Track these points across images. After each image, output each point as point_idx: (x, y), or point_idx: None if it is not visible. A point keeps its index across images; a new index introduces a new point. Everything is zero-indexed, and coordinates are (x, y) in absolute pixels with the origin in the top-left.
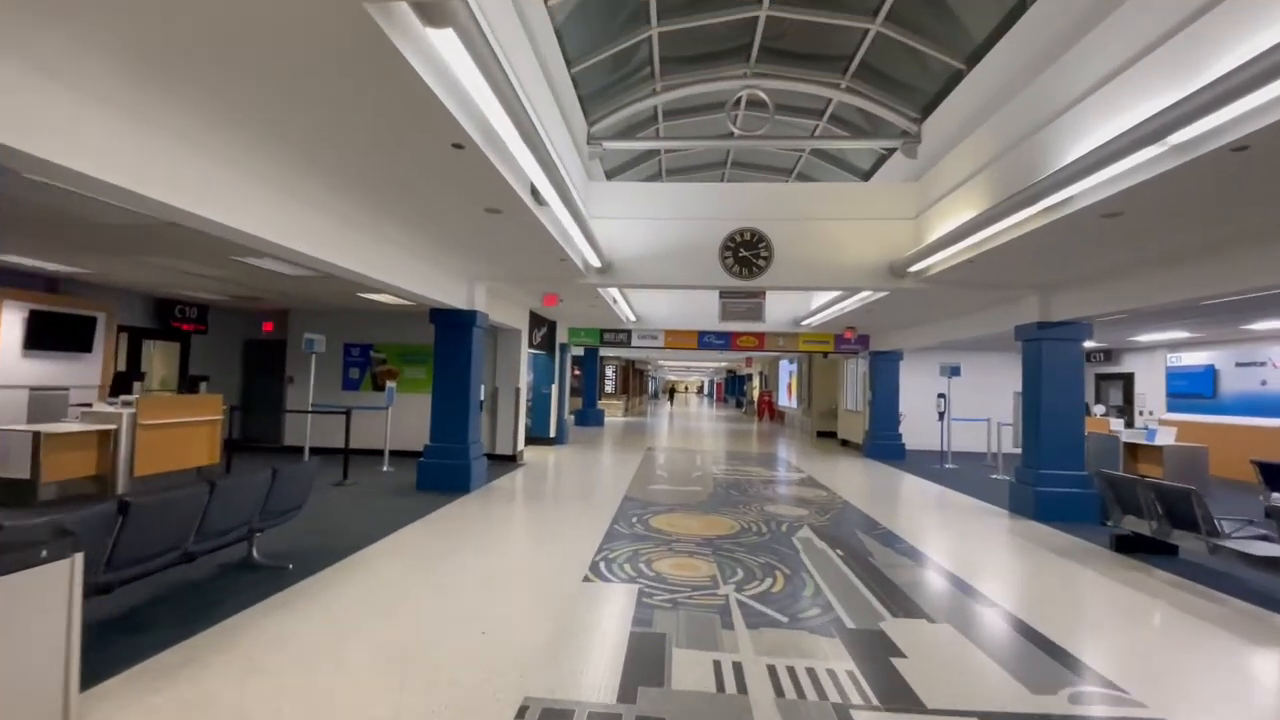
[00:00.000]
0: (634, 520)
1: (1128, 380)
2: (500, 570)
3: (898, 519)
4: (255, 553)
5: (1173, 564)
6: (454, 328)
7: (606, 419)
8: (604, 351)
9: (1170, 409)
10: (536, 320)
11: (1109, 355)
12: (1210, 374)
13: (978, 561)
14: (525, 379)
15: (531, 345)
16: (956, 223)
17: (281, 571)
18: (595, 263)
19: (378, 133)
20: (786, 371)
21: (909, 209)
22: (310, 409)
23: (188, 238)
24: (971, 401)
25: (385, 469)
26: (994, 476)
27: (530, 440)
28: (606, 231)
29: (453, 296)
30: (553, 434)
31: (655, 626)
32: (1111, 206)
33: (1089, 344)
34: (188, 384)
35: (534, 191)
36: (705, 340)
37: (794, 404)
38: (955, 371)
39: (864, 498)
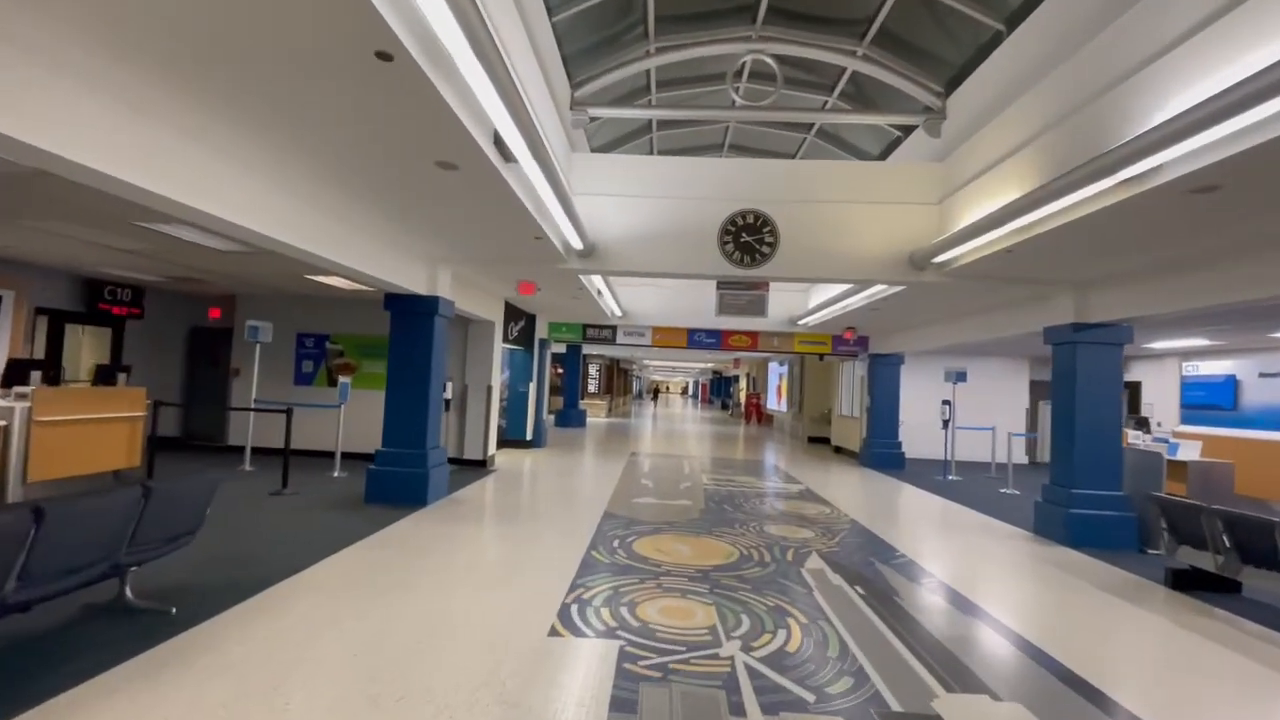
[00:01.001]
0: (615, 544)
1: (1134, 390)
2: (444, 617)
3: (915, 543)
4: (129, 592)
5: (1240, 605)
6: (412, 316)
7: (589, 420)
8: (587, 349)
9: (1185, 421)
10: (513, 312)
11: None
12: (1231, 384)
13: (1025, 605)
14: (498, 376)
15: (507, 339)
16: (992, 206)
17: (162, 618)
18: (577, 244)
19: (289, 42)
20: (776, 373)
21: (932, 193)
22: (252, 406)
23: (66, 193)
24: (972, 409)
25: (336, 475)
26: (1003, 491)
27: (505, 443)
28: (590, 210)
29: (411, 280)
30: (529, 436)
31: (641, 712)
32: (1206, 179)
33: None
34: (103, 375)
35: (498, 142)
36: (695, 339)
37: (783, 407)
38: (961, 377)
39: (871, 515)
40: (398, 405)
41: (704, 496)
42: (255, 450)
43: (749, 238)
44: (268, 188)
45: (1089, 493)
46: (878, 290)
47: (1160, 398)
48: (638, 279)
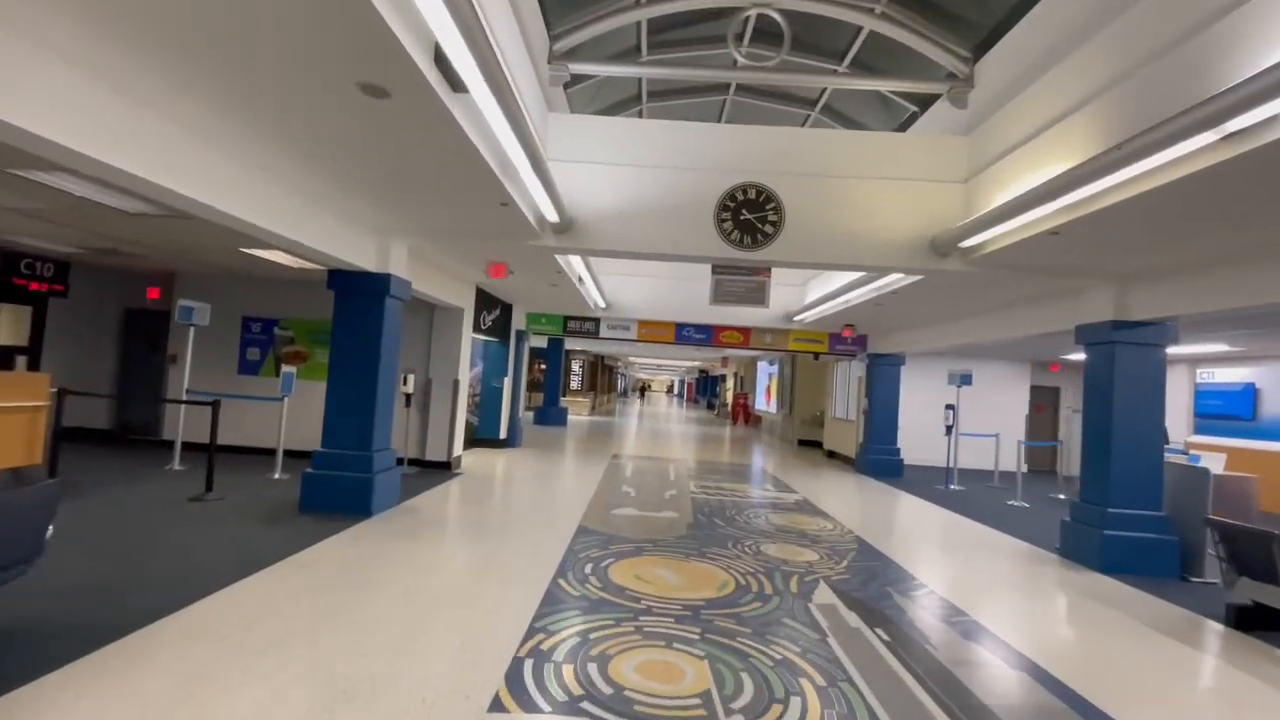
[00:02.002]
0: (588, 570)
1: None
2: (355, 678)
3: (932, 568)
4: None
5: None
6: (359, 296)
7: (570, 418)
8: (570, 343)
9: (1199, 431)
10: (486, 300)
11: None
12: (1250, 393)
13: (1075, 655)
14: (467, 369)
15: (479, 330)
16: (1034, 182)
17: None
18: (552, 215)
19: None
20: (765, 373)
21: (957, 169)
22: (184, 397)
23: None
24: (969, 414)
25: (276, 477)
26: (1012, 503)
27: (476, 442)
28: (569, 179)
29: (358, 254)
30: (503, 435)
31: None
32: None
33: (1075, 356)
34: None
35: (441, 61)
36: (684, 334)
37: (773, 408)
38: (966, 380)
39: (878, 532)
40: (341, 400)
41: (692, 507)
42: (190, 446)
43: (750, 215)
44: (186, 139)
45: (1127, 513)
46: (890, 282)
47: (1169, 407)
48: (623, 267)
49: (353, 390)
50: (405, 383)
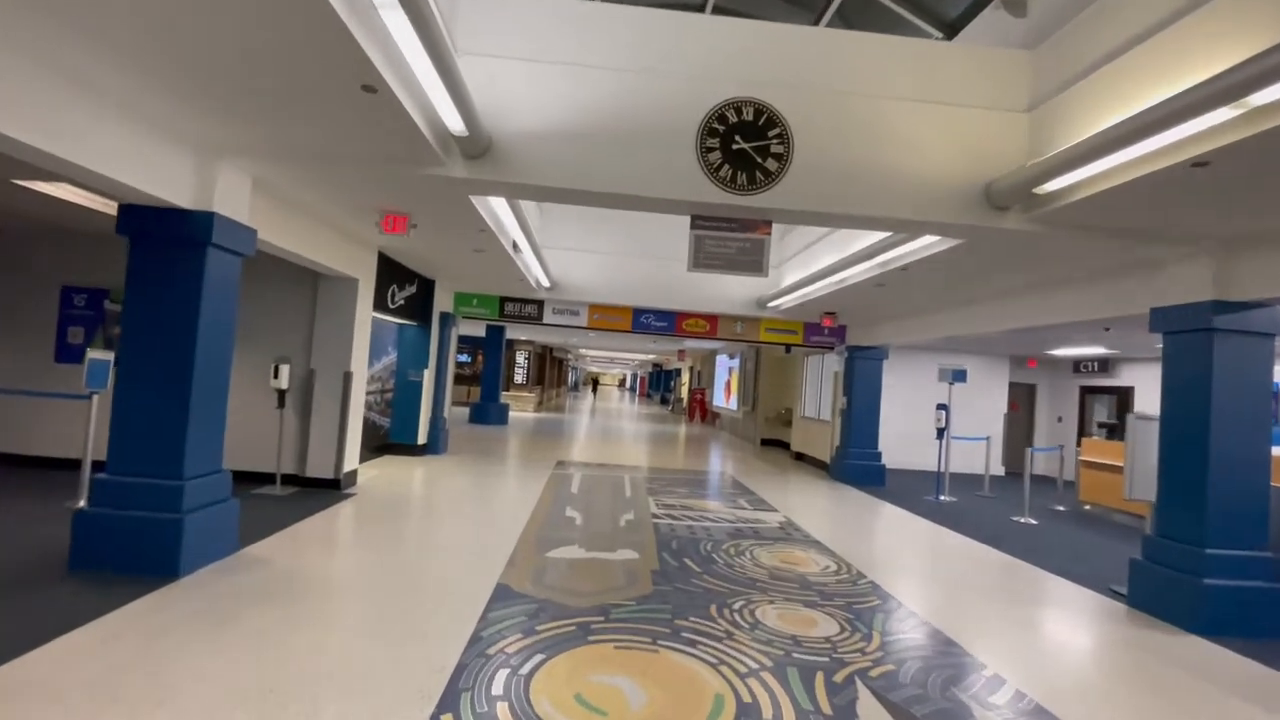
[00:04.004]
0: (497, 681)
1: (1123, 395)
2: None
3: (992, 641)
4: None
5: None
6: (163, 244)
7: (512, 415)
8: (512, 332)
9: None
10: (395, 271)
11: (1104, 365)
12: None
13: None
14: (364, 359)
15: (384, 308)
16: (1139, 106)
17: None
18: (456, 125)
19: None
20: (725, 367)
21: (1017, 93)
22: None
23: None
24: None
25: (81, 505)
26: (1019, 520)
27: (388, 448)
28: (487, 82)
29: (164, 182)
30: (422, 440)
31: None
32: None
33: (1072, 351)
34: None
35: None
36: (643, 321)
37: (733, 405)
38: (959, 376)
39: (893, 572)
40: (133, 402)
41: (655, 542)
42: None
43: (746, 143)
44: None
45: (1231, 554)
46: (910, 251)
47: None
48: (572, 237)
49: (152, 388)
50: (277, 376)
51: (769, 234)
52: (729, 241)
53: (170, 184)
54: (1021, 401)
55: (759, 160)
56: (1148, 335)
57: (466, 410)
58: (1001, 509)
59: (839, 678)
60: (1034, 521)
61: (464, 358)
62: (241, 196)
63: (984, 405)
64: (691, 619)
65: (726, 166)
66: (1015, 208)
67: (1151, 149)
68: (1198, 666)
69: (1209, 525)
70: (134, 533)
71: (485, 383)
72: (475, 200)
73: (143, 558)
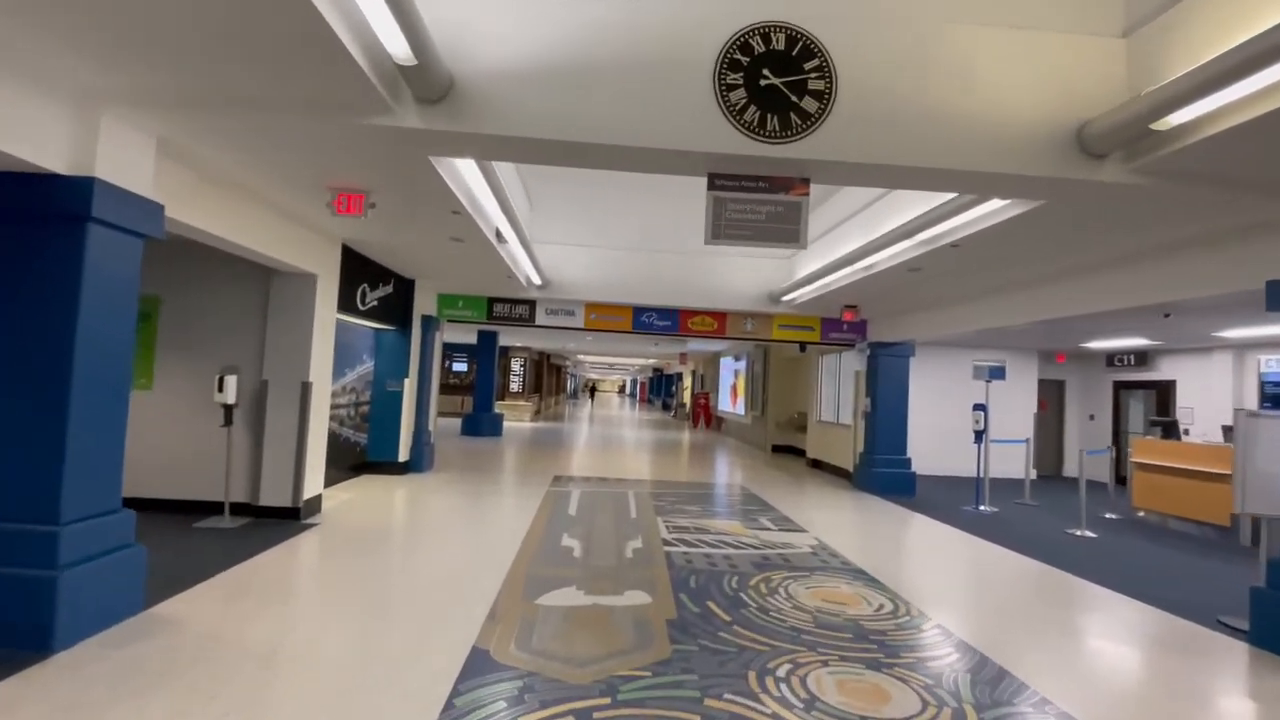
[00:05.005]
0: None
1: (1162, 391)
2: None
3: (1111, 703)
4: None
5: None
6: (27, 221)
7: (506, 425)
8: (508, 338)
9: None
10: (366, 269)
11: (1141, 359)
12: None
13: None
14: (328, 367)
15: (353, 309)
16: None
17: None
18: (403, 52)
19: None
20: (730, 370)
21: (1108, 14)
22: None
23: None
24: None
25: None
26: (1076, 533)
27: (365, 466)
28: (449, 3)
29: (27, 139)
30: (403, 457)
31: None
32: None
33: (1109, 344)
34: None
35: None
36: (644, 320)
37: (740, 410)
38: (998, 374)
39: (961, 610)
40: None
41: (669, 579)
42: None
43: (777, 79)
44: None
45: None
46: (975, 218)
47: (1204, 401)
48: (564, 230)
49: (14, 403)
50: (222, 389)
51: (807, 194)
52: (757, 205)
53: (35, 141)
54: (1050, 399)
55: (794, 99)
56: (1199, 323)
57: (460, 422)
58: (1050, 520)
59: None
60: (1092, 534)
61: (460, 366)
62: (139, 161)
63: (1013, 404)
64: (726, 697)
65: (753, 108)
66: (1114, 156)
67: None
68: None
69: None
70: None
71: (478, 392)
72: (441, 168)
73: (2, 629)
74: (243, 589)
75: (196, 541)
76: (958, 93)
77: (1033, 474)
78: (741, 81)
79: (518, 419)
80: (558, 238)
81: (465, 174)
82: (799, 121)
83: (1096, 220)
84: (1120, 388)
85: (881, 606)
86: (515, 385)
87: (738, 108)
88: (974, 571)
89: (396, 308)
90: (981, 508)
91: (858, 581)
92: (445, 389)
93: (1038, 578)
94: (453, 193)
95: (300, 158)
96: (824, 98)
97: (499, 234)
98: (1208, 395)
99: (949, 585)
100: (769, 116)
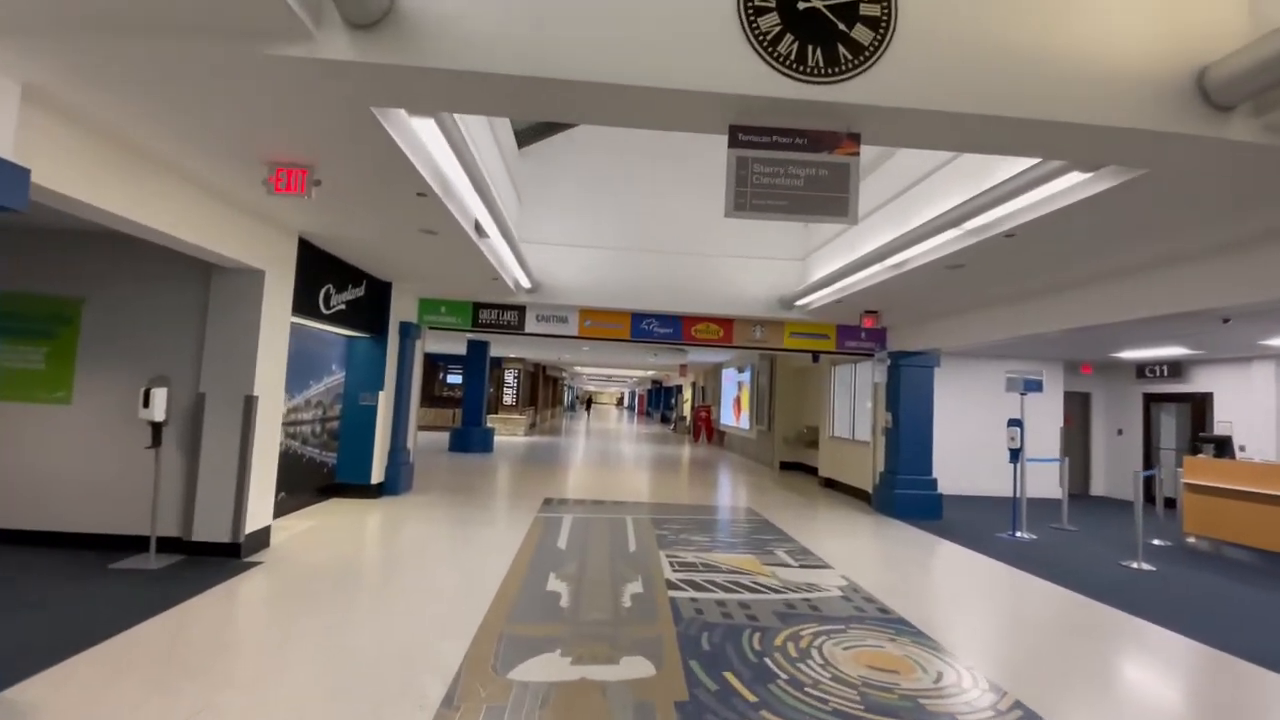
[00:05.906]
0: None
1: (1198, 404)
2: None
3: None
4: None
5: None
6: None
7: (498, 440)
8: (500, 349)
9: None
10: (328, 266)
11: (1174, 369)
12: None
13: None
14: (279, 379)
15: (319, 313)
16: None
17: None
18: None
19: None
20: (734, 382)
21: None
22: None
23: None
24: (995, 429)
25: None
26: (1131, 565)
27: (335, 490)
28: None
29: None
30: (377, 478)
31: None
32: None
33: (1142, 353)
34: None
35: None
36: (643, 327)
37: (744, 424)
38: (1034, 386)
39: (1039, 678)
40: None
41: (676, 637)
42: None
43: (820, 1)
44: None
45: None
46: (1044, 198)
47: (1244, 415)
48: (557, 229)
49: None
50: (147, 404)
51: (857, 153)
52: (793, 166)
53: None
54: (1074, 413)
55: (842, 27)
56: (1250, 329)
57: (450, 435)
58: (1096, 548)
59: None
60: (1150, 567)
61: (455, 379)
62: (5, 124)
63: (1039, 418)
64: None
65: (789, 37)
66: (1243, 108)
67: None
68: None
69: None
70: None
71: (467, 405)
72: (393, 129)
73: None
74: (134, 656)
75: (109, 586)
76: (1049, 26)
77: (1057, 493)
78: (774, 4)
79: (511, 433)
80: (549, 237)
81: (430, 146)
82: (849, 56)
83: (1207, 195)
84: (1151, 400)
85: (941, 675)
86: (509, 398)
87: (770, 36)
88: (1038, 620)
89: (369, 313)
90: (1019, 534)
91: (904, 637)
92: (438, 402)
93: (1114, 629)
94: (415, 169)
95: (210, 110)
96: (881, 26)
97: (479, 227)
98: (1248, 408)
99: (1016, 642)
100: (810, 49)
